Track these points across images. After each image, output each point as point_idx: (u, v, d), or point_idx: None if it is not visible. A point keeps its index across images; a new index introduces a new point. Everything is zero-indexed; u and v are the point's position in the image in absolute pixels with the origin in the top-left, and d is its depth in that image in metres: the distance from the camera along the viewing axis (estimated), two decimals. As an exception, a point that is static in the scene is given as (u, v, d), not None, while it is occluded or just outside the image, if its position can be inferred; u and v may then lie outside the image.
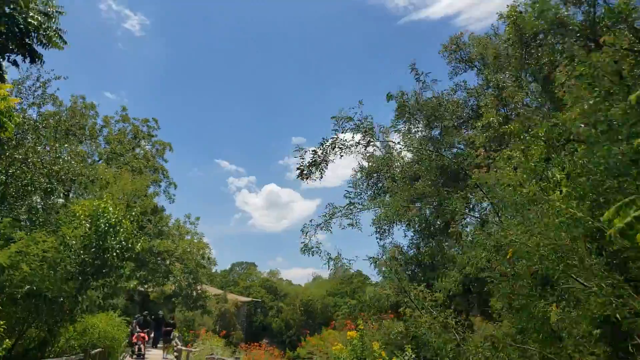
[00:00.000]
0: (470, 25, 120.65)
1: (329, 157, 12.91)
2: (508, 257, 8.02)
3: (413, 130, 19.56)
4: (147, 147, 37.58)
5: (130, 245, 12.78)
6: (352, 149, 13.18)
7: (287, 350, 57.76)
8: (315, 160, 12.71)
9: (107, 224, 12.33)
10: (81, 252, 12.05)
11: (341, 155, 13.17)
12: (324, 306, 71.03)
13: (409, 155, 20.86)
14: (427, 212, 19.79)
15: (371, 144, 14.11)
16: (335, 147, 13.00)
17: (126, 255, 12.79)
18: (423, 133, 19.68)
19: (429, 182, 18.30)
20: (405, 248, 22.10)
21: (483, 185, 12.68)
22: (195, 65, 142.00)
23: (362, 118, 13.44)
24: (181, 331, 30.71)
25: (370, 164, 21.60)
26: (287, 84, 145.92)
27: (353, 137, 13.44)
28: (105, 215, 12.39)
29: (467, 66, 21.42)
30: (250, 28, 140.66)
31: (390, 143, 21.56)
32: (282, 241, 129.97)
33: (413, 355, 15.40)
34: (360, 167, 21.95)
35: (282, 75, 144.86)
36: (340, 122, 13.10)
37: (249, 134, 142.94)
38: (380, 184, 21.81)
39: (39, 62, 11.57)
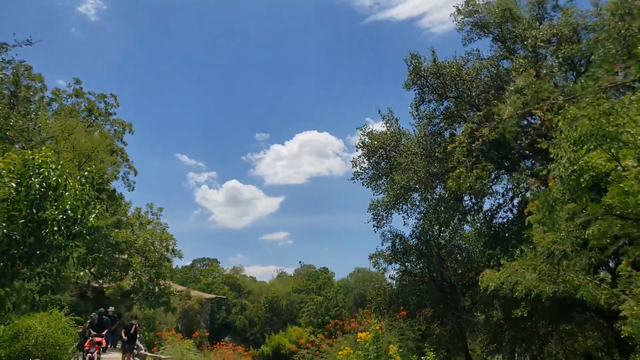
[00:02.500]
0: (433, 28, 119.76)
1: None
2: None
3: (427, 99, 16.23)
4: (105, 126, 32.84)
5: (79, 217, 8.78)
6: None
7: (251, 347, 53.77)
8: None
9: (43, 185, 8.32)
10: (3, 224, 8.05)
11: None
12: (290, 303, 67.29)
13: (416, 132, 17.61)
14: (440, 192, 16.48)
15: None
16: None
17: (73, 231, 8.78)
18: (436, 104, 16.37)
19: (443, 159, 15.10)
20: (407, 236, 18.88)
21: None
22: (155, 55, 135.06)
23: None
24: (141, 332, 26.35)
25: (372, 140, 18.17)
26: (251, 80, 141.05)
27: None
28: (41, 172, 8.38)
29: (482, 33, 18.24)
30: (215, 20, 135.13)
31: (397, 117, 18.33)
32: (243, 238, 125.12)
33: (435, 357, 12.07)
34: (361, 143, 18.42)
35: (246, 71, 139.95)
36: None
37: (211, 129, 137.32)
38: (383, 163, 18.40)
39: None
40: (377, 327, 12.36)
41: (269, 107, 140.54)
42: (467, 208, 16.29)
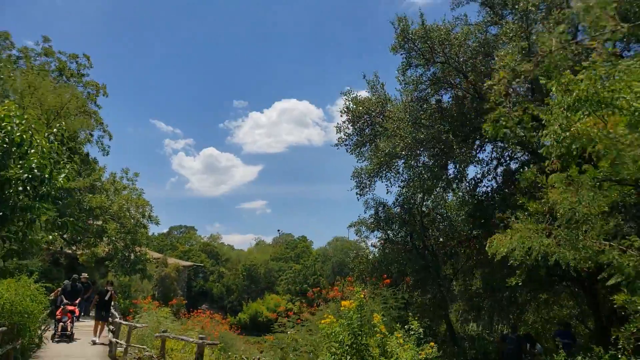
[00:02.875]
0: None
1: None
2: None
3: (414, 63, 15.65)
4: (78, 87, 31.38)
5: (47, 177, 8.09)
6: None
7: (229, 315, 53.93)
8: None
9: (6, 141, 7.58)
10: (-38, 182, 7.34)
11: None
12: (268, 271, 67.55)
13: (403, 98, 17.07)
14: (424, 160, 16.09)
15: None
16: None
17: (40, 192, 8.10)
18: (423, 69, 15.83)
19: (429, 126, 14.67)
20: (390, 204, 18.53)
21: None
22: (131, 20, 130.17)
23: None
24: (117, 299, 25.86)
25: (356, 106, 17.56)
26: (229, 46, 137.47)
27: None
28: (3, 127, 7.62)
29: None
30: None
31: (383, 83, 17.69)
32: (221, 206, 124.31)
33: (420, 329, 11.90)
34: (346, 108, 17.80)
35: (224, 37, 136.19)
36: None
37: (189, 95, 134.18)
38: (367, 130, 17.86)
39: None
40: (362, 295, 12.07)
41: (248, 74, 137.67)
42: (450, 176, 16.05)
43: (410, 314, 14.52)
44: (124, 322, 15.03)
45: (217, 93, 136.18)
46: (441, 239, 18.22)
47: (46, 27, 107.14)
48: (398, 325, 12.54)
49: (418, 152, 14.60)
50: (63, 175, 8.25)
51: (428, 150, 14.52)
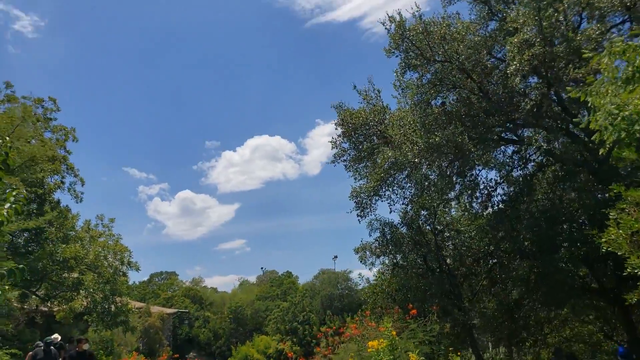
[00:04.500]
0: (375, 28, 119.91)
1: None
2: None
3: (412, 64, 14.03)
4: (45, 134, 28.72)
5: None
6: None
7: (218, 361, 50.20)
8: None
9: None
10: None
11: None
12: (255, 311, 63.89)
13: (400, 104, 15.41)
14: (442, 166, 14.15)
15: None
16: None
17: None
18: (423, 70, 14.24)
19: (443, 128, 12.94)
20: (396, 224, 16.54)
21: None
22: (98, 69, 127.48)
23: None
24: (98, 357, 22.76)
25: (352, 118, 15.75)
26: (196, 88, 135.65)
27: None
28: None
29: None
30: (158, 30, 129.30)
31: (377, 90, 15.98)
32: (200, 249, 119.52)
33: None
34: (341, 120, 15.94)
35: (190, 79, 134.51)
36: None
37: (160, 140, 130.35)
38: (365, 143, 16.04)
39: None
40: (394, 333, 9.87)
41: (218, 114, 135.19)
42: (468, 184, 14.29)
43: (442, 347, 12.41)
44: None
45: (188, 135, 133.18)
46: (457, 260, 16.24)
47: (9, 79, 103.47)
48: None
49: (433, 158, 12.76)
50: (6, 206, 5.87)
51: (443, 156, 12.73)
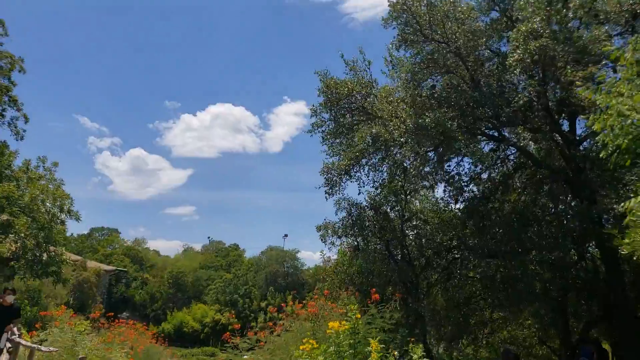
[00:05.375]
0: (355, 13, 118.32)
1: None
2: None
3: (409, 40, 12.96)
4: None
5: None
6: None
7: (151, 325, 48.36)
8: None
9: None
10: None
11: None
12: (196, 279, 62.20)
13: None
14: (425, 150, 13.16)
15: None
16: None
17: None
18: (419, 47, 13.20)
19: (434, 110, 11.96)
20: (365, 205, 15.53)
21: None
22: (57, 11, 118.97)
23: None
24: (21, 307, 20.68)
25: (337, 87, 14.46)
26: (163, 44, 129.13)
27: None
28: None
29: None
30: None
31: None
32: (146, 210, 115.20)
33: (423, 357, 8.94)
34: (325, 87, 14.59)
35: (158, 33, 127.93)
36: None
37: (117, 92, 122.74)
38: (348, 116, 14.84)
39: None
40: (358, 316, 8.86)
41: (182, 74, 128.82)
42: (451, 172, 13.53)
43: (399, 336, 11.61)
44: (24, 342, 10.74)
45: (147, 91, 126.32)
46: (418, 249, 15.49)
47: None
48: (396, 352, 9.48)
49: (419, 139, 11.76)
50: None
51: (430, 139, 11.75)
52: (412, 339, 9.54)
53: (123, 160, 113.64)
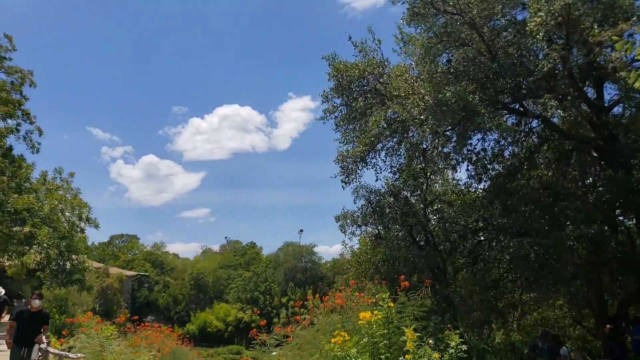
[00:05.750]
0: (353, 3, 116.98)
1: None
2: None
3: (420, 13, 12.40)
4: (-1, 74, 25.61)
5: None
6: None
7: (176, 326, 48.47)
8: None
9: None
10: None
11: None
12: (216, 279, 62.24)
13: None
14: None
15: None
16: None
17: None
18: (431, 20, 12.61)
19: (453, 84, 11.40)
20: (384, 192, 15.05)
21: None
22: (62, 25, 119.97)
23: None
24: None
25: (347, 70, 13.94)
26: (167, 50, 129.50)
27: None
28: None
29: None
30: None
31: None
32: (162, 215, 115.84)
33: (460, 344, 8.47)
34: (336, 70, 14.05)
35: (161, 40, 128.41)
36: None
37: (126, 101, 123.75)
38: (361, 100, 14.33)
39: None
40: (391, 304, 8.44)
41: (187, 79, 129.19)
42: (476, 149, 12.97)
43: (431, 324, 11.16)
44: (52, 350, 10.51)
45: (155, 98, 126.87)
46: (443, 233, 14.95)
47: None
48: (431, 341, 9.04)
49: (440, 116, 11.18)
50: None
51: (451, 115, 11.18)
52: (449, 326, 9.11)
53: (136, 167, 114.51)
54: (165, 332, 24.01)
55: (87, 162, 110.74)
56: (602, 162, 12.81)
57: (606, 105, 12.73)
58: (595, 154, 12.83)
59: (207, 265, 64.63)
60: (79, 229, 24.68)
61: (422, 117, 10.93)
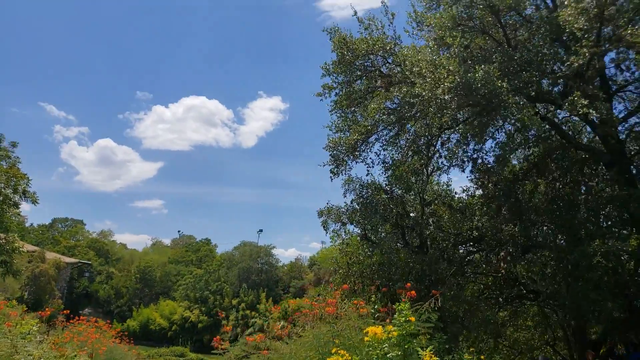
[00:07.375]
0: (332, 12, 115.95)
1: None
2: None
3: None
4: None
5: None
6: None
7: (115, 321, 44.57)
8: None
9: None
10: None
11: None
12: (165, 274, 58.42)
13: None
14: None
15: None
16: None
17: None
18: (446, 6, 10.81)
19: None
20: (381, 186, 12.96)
21: None
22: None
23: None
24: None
25: (355, 44, 11.82)
26: (136, 32, 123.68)
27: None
28: None
29: None
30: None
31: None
32: (113, 202, 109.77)
33: None
34: (343, 40, 11.89)
35: (131, 21, 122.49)
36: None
37: (86, 80, 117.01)
38: (363, 80, 12.27)
39: None
40: (412, 319, 6.29)
41: (154, 65, 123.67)
42: (501, 140, 11.20)
43: (436, 342, 9.17)
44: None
45: (118, 80, 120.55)
46: (444, 238, 13.03)
47: None
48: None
49: (468, 100, 9.24)
50: None
51: (479, 101, 9.26)
52: (471, 348, 7.17)
53: (91, 150, 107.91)
54: (102, 328, 20.89)
55: (37, 139, 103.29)
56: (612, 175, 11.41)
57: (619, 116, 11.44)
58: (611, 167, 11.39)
59: (156, 258, 60.62)
60: (11, 202, 21.19)
61: (446, 97, 8.96)
